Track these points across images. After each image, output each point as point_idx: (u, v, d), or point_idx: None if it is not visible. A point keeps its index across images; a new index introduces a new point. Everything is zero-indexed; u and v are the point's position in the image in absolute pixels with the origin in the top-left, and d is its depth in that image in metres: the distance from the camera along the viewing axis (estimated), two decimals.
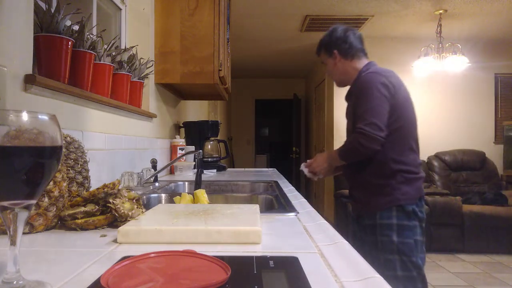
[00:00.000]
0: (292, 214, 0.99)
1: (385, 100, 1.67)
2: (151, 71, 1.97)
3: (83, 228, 0.80)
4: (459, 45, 4.14)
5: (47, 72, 1.08)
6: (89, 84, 1.30)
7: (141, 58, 1.87)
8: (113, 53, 1.54)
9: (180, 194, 1.27)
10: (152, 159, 1.77)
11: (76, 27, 1.25)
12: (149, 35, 2.04)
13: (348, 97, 1.87)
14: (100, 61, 1.39)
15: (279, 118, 10.25)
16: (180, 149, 2.36)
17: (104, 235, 0.76)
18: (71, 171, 0.93)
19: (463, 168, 4.83)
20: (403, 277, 1.66)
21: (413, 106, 1.80)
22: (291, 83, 7.87)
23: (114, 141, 1.53)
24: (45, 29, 1.07)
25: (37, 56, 1.07)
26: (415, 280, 1.67)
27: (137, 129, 1.83)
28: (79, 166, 0.96)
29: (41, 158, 0.47)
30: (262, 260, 0.58)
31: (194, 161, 2.34)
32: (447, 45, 4.14)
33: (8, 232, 0.48)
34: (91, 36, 1.36)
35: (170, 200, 1.43)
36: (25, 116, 0.46)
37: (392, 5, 3.87)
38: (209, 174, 2.41)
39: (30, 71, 0.98)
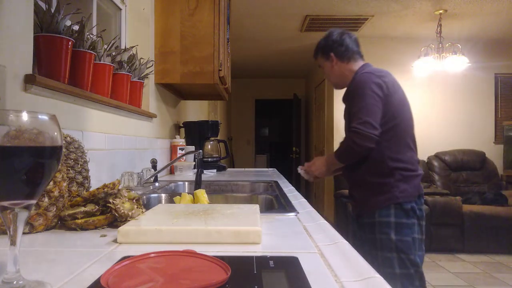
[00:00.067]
0: (292, 214, 0.99)
1: (378, 99, 1.69)
2: (151, 71, 1.97)
3: (83, 228, 0.80)
4: (459, 45, 4.14)
5: (47, 72, 1.08)
6: (89, 84, 1.30)
7: (141, 58, 1.87)
8: (113, 53, 1.54)
9: (180, 194, 1.27)
10: (152, 159, 1.77)
11: (76, 27, 1.25)
12: (149, 35, 2.04)
13: (345, 99, 1.89)
14: (100, 61, 1.39)
15: (279, 118, 10.25)
16: (180, 149, 2.36)
17: (104, 235, 0.76)
18: (71, 171, 0.93)
19: (463, 168, 4.83)
20: (401, 275, 1.67)
21: (409, 105, 1.83)
22: (291, 83, 7.87)
23: (114, 141, 1.53)
24: (45, 29, 1.07)
25: (37, 56, 1.07)
26: (412, 278, 1.68)
27: (137, 129, 1.83)
28: (79, 166, 0.96)
29: (41, 158, 0.47)
30: (262, 260, 0.58)
31: (194, 161, 2.34)
32: (447, 45, 4.14)
33: (8, 232, 0.48)
34: (91, 36, 1.36)
35: (170, 200, 1.43)
36: (25, 116, 0.46)
37: (392, 5, 3.87)
38: (209, 174, 2.41)
39: (30, 71, 0.98)
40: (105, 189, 0.85)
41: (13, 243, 0.48)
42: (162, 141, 2.28)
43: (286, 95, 7.69)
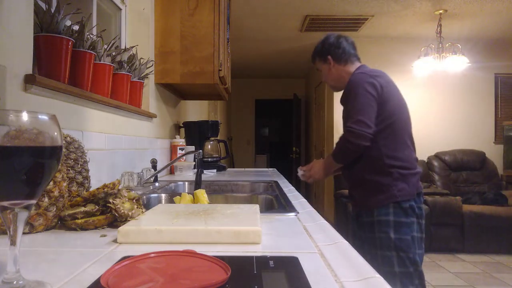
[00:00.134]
0: (292, 214, 0.99)
1: (372, 98, 1.72)
2: (151, 71, 1.97)
3: (83, 228, 0.80)
4: (459, 45, 4.14)
5: (47, 72, 1.08)
6: (89, 84, 1.30)
7: (141, 58, 1.87)
8: (113, 53, 1.54)
9: (180, 194, 1.27)
10: (152, 159, 1.77)
11: (76, 27, 1.25)
12: (149, 35, 2.04)
13: (342, 100, 1.92)
14: (100, 61, 1.39)
15: (279, 118, 10.25)
16: (180, 149, 2.36)
17: (104, 235, 0.76)
18: (71, 171, 0.93)
19: (463, 168, 4.83)
20: (400, 274, 1.68)
21: (405, 103, 1.86)
22: (291, 83, 7.87)
23: (114, 141, 1.53)
24: (45, 29, 1.07)
25: (37, 56, 1.07)
26: (412, 277, 1.69)
27: (137, 129, 1.83)
28: (79, 166, 0.96)
29: (41, 158, 0.47)
30: (262, 260, 0.58)
31: (194, 161, 2.34)
32: (447, 45, 4.14)
33: (8, 232, 0.48)
34: (91, 36, 1.36)
35: (170, 200, 1.43)
36: (25, 116, 0.46)
37: (392, 5, 3.87)
38: (209, 174, 2.41)
39: (30, 71, 0.98)
40: (105, 189, 0.85)
41: (13, 243, 0.48)
42: (162, 141, 2.28)
43: (286, 95, 7.68)
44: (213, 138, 2.72)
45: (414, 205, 1.72)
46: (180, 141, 2.43)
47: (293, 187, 1.69)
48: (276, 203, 1.27)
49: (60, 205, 0.81)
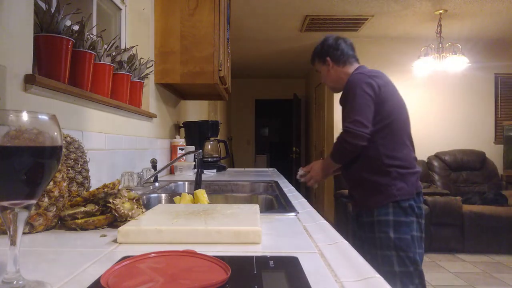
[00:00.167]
0: (292, 214, 0.99)
1: (369, 98, 1.73)
2: (151, 71, 1.97)
3: (83, 228, 0.80)
4: (459, 45, 4.14)
5: (47, 72, 1.08)
6: (89, 84, 1.30)
7: (141, 58, 1.87)
8: (113, 53, 1.54)
9: (180, 194, 1.27)
10: (152, 159, 1.77)
11: (76, 27, 1.25)
12: (149, 35, 2.04)
13: (340, 101, 1.93)
14: (100, 61, 1.39)
15: (279, 118, 10.25)
16: (180, 149, 2.36)
17: (104, 235, 0.76)
18: (71, 171, 0.93)
19: (463, 168, 4.83)
20: (400, 273, 1.69)
21: (404, 103, 1.87)
22: (291, 83, 7.87)
23: (114, 141, 1.53)
24: (45, 29, 1.07)
25: (37, 56, 1.07)
26: (412, 276, 1.69)
27: (137, 129, 1.83)
28: (79, 166, 0.96)
29: (41, 158, 0.47)
30: (262, 260, 0.58)
31: (194, 161, 2.34)
32: (447, 45, 4.14)
33: (8, 232, 0.48)
34: (91, 36, 1.36)
35: (170, 200, 1.43)
36: (25, 116, 0.46)
37: (392, 5, 3.87)
38: (209, 174, 2.41)
39: (30, 71, 0.98)
40: (105, 189, 0.85)
41: (13, 243, 0.48)
42: (162, 141, 2.28)
43: (286, 95, 7.68)
44: (213, 138, 2.72)
45: (413, 205, 1.73)
46: (180, 141, 2.43)
47: (293, 187, 1.69)
48: (276, 203, 1.27)
49: (60, 205, 0.81)
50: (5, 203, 0.46)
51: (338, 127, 5.07)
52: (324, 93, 5.83)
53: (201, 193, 1.23)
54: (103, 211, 0.84)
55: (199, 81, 2.08)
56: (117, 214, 0.82)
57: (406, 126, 1.83)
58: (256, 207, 0.92)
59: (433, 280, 3.28)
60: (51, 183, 0.79)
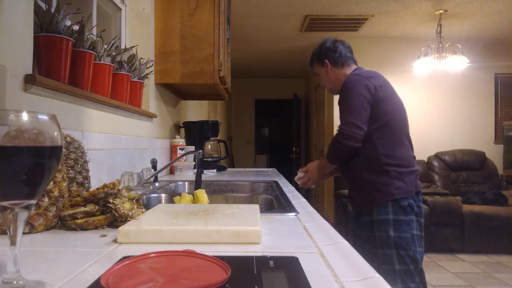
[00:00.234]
0: (292, 214, 0.99)
1: (364, 99, 1.75)
2: (151, 71, 1.97)
3: (83, 228, 0.80)
4: (459, 45, 4.14)
5: (47, 72, 1.08)
6: (89, 84, 1.30)
7: (141, 58, 1.87)
8: (113, 53, 1.54)
9: (180, 194, 1.27)
10: (152, 159, 1.77)
11: (76, 27, 1.25)
12: (149, 35, 2.04)
13: (339, 102, 1.93)
14: (100, 61, 1.39)
15: (279, 118, 10.25)
16: (180, 149, 2.36)
17: (104, 235, 0.76)
18: (71, 171, 0.93)
19: (463, 168, 4.83)
20: (400, 271, 1.69)
21: (401, 103, 1.88)
22: (291, 83, 7.87)
23: (114, 141, 1.53)
24: (45, 29, 1.07)
25: (37, 56, 1.07)
26: (412, 274, 1.70)
27: (137, 129, 1.83)
28: (79, 166, 0.96)
29: (41, 158, 0.47)
30: (262, 260, 0.58)
31: (194, 161, 2.34)
32: (447, 45, 4.14)
33: (8, 232, 0.48)
34: (91, 36, 1.36)
35: (170, 200, 1.43)
36: (25, 116, 0.46)
37: (392, 5, 3.87)
38: (209, 174, 2.41)
39: (30, 71, 0.98)
40: (105, 189, 0.85)
41: (13, 243, 0.48)
42: (162, 141, 2.28)
43: (286, 95, 7.68)
44: (213, 138, 2.72)
45: (412, 203, 1.74)
46: (180, 141, 2.43)
47: (293, 187, 1.69)
48: (276, 203, 1.27)
49: (60, 205, 0.81)
50: (5, 203, 0.46)
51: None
52: (324, 93, 5.83)
53: (201, 193, 1.23)
54: (103, 211, 0.84)
55: (199, 81, 2.08)
56: (117, 214, 0.82)
57: (404, 125, 1.84)
58: (256, 207, 0.92)
59: (433, 280, 3.28)
60: (51, 183, 0.79)
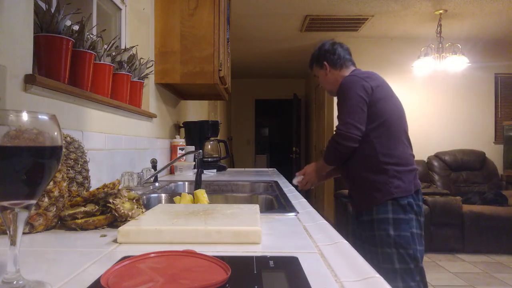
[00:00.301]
0: (292, 214, 0.99)
1: (360, 99, 1.76)
2: (151, 71, 1.97)
3: (83, 228, 0.80)
4: (459, 45, 4.14)
5: (47, 72, 1.08)
6: (89, 84, 1.30)
7: (141, 58, 1.87)
8: (113, 53, 1.54)
9: (180, 194, 1.27)
10: (152, 159, 1.77)
11: (76, 27, 1.25)
12: (149, 35, 2.04)
13: (337, 103, 1.94)
14: (100, 61, 1.39)
15: (279, 118, 10.25)
16: (180, 149, 2.36)
17: (104, 235, 0.76)
18: (71, 171, 0.93)
19: (463, 168, 4.83)
20: (401, 270, 1.70)
21: (399, 102, 1.90)
22: (291, 83, 7.87)
23: (114, 141, 1.53)
24: (45, 29, 1.07)
25: (37, 56, 1.07)
26: (412, 273, 1.70)
27: (137, 129, 1.83)
28: (79, 166, 0.96)
29: (41, 158, 0.47)
30: (262, 260, 0.58)
31: (194, 161, 2.34)
32: (447, 45, 4.14)
33: (8, 232, 0.48)
34: (91, 36, 1.36)
35: (170, 200, 1.43)
36: (25, 116, 0.46)
37: (392, 5, 3.87)
38: (209, 174, 2.41)
39: (30, 71, 0.98)
40: (105, 189, 0.85)
41: (13, 243, 0.48)
42: (162, 141, 2.28)
43: (286, 95, 7.68)
44: (213, 138, 2.72)
45: (412, 202, 1.74)
46: (180, 141, 2.43)
47: (293, 187, 1.69)
48: (276, 203, 1.27)
49: (60, 205, 0.81)
50: (5, 203, 0.46)
51: None
52: (324, 93, 5.83)
53: (201, 193, 1.23)
54: (103, 211, 0.84)
55: (199, 81, 2.08)
56: (117, 214, 0.82)
57: (402, 124, 1.85)
58: (256, 207, 0.92)
59: (433, 280, 3.28)
60: (51, 183, 0.79)
